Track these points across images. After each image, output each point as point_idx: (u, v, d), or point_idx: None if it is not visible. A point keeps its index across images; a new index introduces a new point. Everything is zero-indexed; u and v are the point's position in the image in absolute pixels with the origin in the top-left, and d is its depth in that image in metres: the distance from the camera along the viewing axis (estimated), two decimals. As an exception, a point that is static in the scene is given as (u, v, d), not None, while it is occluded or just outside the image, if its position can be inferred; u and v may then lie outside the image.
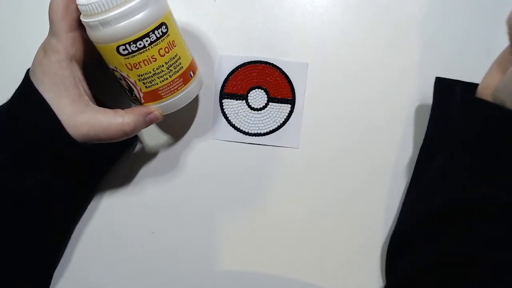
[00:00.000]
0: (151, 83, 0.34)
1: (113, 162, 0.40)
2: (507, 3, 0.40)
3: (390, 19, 0.40)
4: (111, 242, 0.40)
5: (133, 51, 0.32)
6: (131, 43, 0.31)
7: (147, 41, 0.32)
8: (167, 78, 0.34)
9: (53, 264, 0.39)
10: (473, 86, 0.34)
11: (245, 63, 0.41)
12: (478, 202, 0.31)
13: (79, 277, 0.40)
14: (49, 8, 0.32)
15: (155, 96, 0.35)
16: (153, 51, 0.32)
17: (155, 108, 0.35)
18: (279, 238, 0.39)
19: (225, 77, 0.41)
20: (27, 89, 0.33)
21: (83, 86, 0.34)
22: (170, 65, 0.34)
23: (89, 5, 0.30)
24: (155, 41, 0.32)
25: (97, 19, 0.30)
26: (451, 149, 0.33)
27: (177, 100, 0.36)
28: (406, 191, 0.39)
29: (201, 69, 0.41)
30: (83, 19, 0.31)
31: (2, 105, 0.34)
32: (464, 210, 0.31)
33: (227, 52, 0.41)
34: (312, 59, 0.40)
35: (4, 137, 0.33)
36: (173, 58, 0.34)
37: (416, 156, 0.39)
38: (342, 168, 0.40)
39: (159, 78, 0.34)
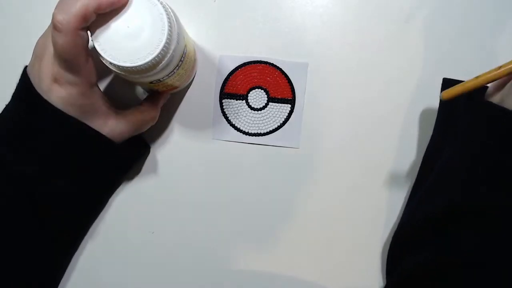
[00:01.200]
0: (171, 86, 0.36)
1: (129, 169, 0.40)
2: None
3: (390, 19, 0.40)
4: (111, 242, 0.40)
5: (163, 80, 0.33)
6: (164, 76, 0.32)
7: (176, 68, 0.33)
8: (183, 77, 0.36)
9: (62, 268, 0.39)
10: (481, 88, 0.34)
11: (245, 63, 0.41)
12: (482, 205, 0.30)
13: (79, 277, 0.40)
14: (59, 48, 0.29)
15: (172, 89, 0.37)
16: (178, 72, 0.34)
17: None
18: (279, 238, 0.39)
19: (225, 77, 0.41)
20: (58, 117, 0.31)
21: (104, 98, 0.34)
22: (187, 69, 0.36)
23: (135, 67, 0.29)
24: (180, 65, 0.33)
25: (140, 75, 0.30)
26: (455, 150, 0.33)
27: (187, 83, 0.40)
28: (410, 191, 0.39)
29: (201, 69, 0.41)
30: (118, 71, 0.30)
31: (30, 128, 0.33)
32: (467, 212, 0.31)
33: (227, 52, 0.41)
34: (312, 59, 0.40)
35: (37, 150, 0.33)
36: (189, 63, 0.36)
37: (417, 155, 0.39)
38: (342, 168, 0.40)
39: (178, 81, 0.36)
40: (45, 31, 0.33)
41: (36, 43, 0.33)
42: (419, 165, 0.39)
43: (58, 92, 0.31)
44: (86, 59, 0.30)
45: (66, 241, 0.38)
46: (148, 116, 0.37)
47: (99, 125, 0.33)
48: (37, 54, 0.32)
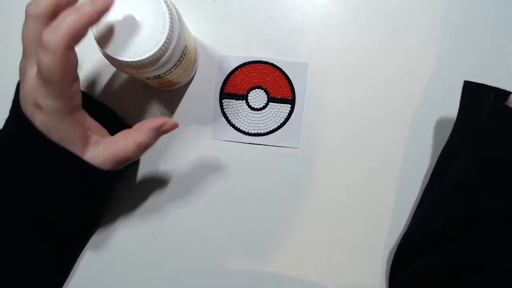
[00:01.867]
0: (171, 82, 0.36)
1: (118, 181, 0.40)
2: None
3: (390, 18, 0.40)
4: (111, 242, 0.40)
5: (162, 76, 0.33)
6: (162, 74, 0.33)
7: (175, 67, 0.33)
8: (182, 75, 0.36)
9: (65, 274, 0.39)
10: (506, 93, 0.33)
11: (245, 63, 0.41)
12: (494, 211, 0.30)
13: (80, 278, 0.40)
14: (45, 68, 0.27)
15: (172, 85, 0.38)
16: (177, 70, 0.34)
17: (168, 119, 0.33)
18: (279, 238, 0.39)
19: (225, 77, 0.41)
20: (40, 142, 0.30)
21: (87, 123, 0.32)
22: (187, 67, 0.36)
23: (139, 61, 0.29)
24: (180, 63, 0.33)
25: (137, 71, 0.30)
26: (471, 156, 0.33)
27: (187, 80, 0.40)
28: (416, 192, 0.38)
29: (201, 69, 0.41)
30: (115, 64, 0.30)
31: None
32: (479, 218, 0.31)
33: (227, 52, 0.41)
34: (312, 59, 0.40)
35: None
36: (189, 61, 0.36)
37: (417, 156, 0.39)
38: (342, 168, 0.40)
39: (178, 78, 0.36)
40: (23, 53, 0.30)
41: (19, 65, 0.31)
42: (420, 164, 0.39)
43: (40, 117, 0.29)
44: (71, 83, 0.29)
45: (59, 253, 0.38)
46: (133, 144, 0.32)
47: (80, 152, 0.31)
48: (20, 76, 0.31)
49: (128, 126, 0.40)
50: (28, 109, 0.30)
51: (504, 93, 0.33)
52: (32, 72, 0.29)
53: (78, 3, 0.28)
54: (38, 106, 0.29)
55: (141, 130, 0.32)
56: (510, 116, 0.31)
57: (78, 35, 0.27)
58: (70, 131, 0.31)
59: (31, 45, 0.29)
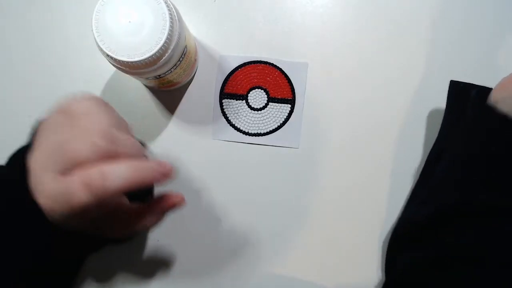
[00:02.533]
0: (171, 82, 0.36)
1: None
2: None
3: (390, 18, 0.40)
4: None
5: (161, 76, 0.33)
6: (162, 74, 0.33)
7: (174, 67, 0.33)
8: (182, 75, 0.37)
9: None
10: (489, 90, 0.34)
11: (245, 63, 0.41)
12: (480, 205, 0.31)
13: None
14: (78, 205, 0.24)
15: (172, 85, 0.38)
16: (177, 70, 0.34)
17: (176, 195, 0.31)
18: (279, 237, 0.39)
19: (225, 77, 0.41)
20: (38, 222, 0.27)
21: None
22: (187, 67, 0.36)
23: (139, 61, 0.29)
24: (180, 63, 0.34)
25: (137, 71, 0.31)
26: (457, 152, 0.33)
27: (188, 80, 0.40)
28: (410, 191, 0.39)
29: (201, 69, 0.41)
30: (115, 64, 0.30)
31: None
32: (466, 212, 0.31)
33: (227, 52, 0.41)
34: (312, 59, 0.40)
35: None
36: (189, 61, 0.36)
37: (417, 155, 0.39)
38: (342, 168, 0.40)
39: (178, 78, 0.36)
40: (60, 123, 0.26)
41: (45, 132, 0.27)
42: (420, 165, 0.39)
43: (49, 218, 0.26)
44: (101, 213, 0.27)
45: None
46: (145, 224, 0.31)
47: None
48: (45, 153, 0.26)
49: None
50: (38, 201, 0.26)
51: (487, 90, 0.34)
52: (50, 179, 0.25)
53: (137, 159, 0.26)
54: (49, 213, 0.26)
55: (153, 210, 0.31)
56: (488, 113, 0.32)
57: (127, 190, 0.25)
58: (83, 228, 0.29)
59: (64, 161, 0.25)
